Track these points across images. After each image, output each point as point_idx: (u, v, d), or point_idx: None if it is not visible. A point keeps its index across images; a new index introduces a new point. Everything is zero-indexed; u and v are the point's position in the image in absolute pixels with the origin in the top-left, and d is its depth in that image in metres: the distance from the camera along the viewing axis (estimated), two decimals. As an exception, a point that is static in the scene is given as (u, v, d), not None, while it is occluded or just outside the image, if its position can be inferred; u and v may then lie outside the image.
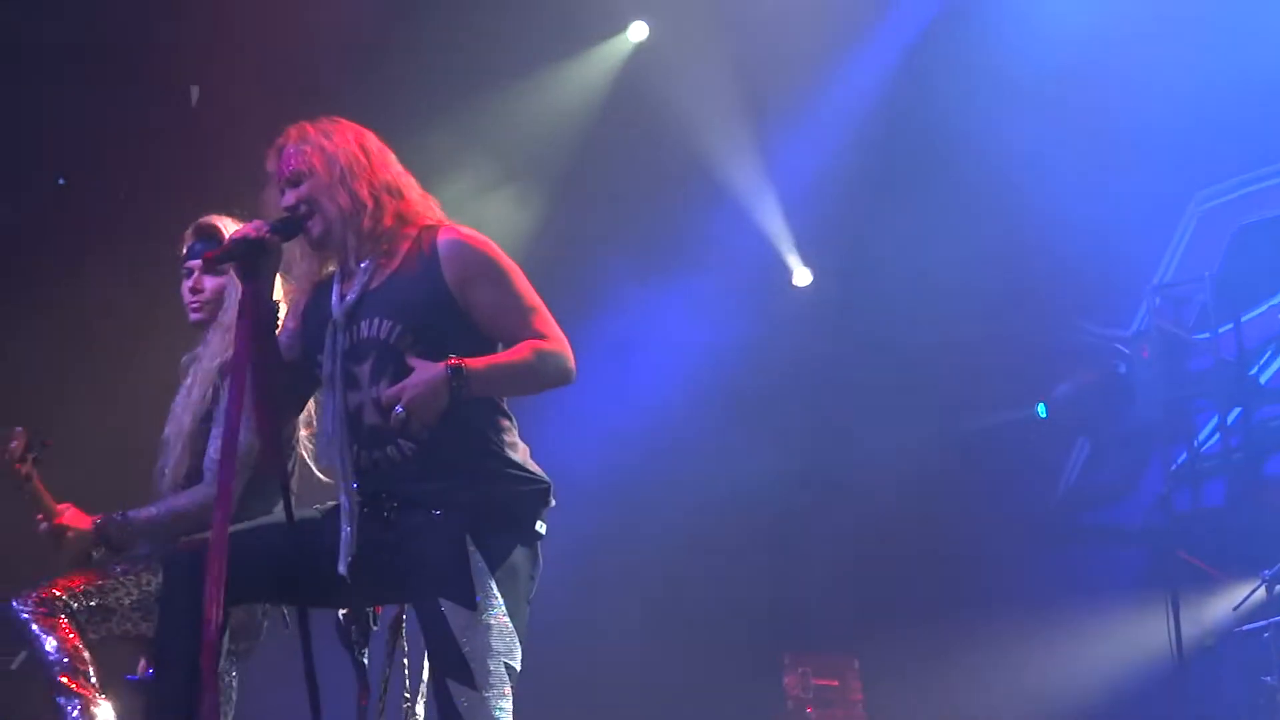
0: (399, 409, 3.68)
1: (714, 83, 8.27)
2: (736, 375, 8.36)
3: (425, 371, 3.70)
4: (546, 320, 3.89)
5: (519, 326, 3.86)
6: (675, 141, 8.30)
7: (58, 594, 4.59)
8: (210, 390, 4.71)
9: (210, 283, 4.87)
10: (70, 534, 4.70)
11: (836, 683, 7.64)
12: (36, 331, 7.90)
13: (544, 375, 3.86)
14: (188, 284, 4.91)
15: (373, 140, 4.05)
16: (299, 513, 3.94)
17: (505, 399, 3.95)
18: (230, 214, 4.89)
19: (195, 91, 8.38)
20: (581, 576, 7.53)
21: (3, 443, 4.86)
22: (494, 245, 3.95)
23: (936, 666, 7.65)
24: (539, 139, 8.47)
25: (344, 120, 4.06)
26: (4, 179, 8.17)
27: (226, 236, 4.77)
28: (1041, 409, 8.13)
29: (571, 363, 3.87)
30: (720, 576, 8.09)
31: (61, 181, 8.38)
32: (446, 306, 3.85)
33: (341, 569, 3.82)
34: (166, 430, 4.80)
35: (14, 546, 4.94)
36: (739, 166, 8.42)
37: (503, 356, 3.83)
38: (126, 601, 4.64)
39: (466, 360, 3.73)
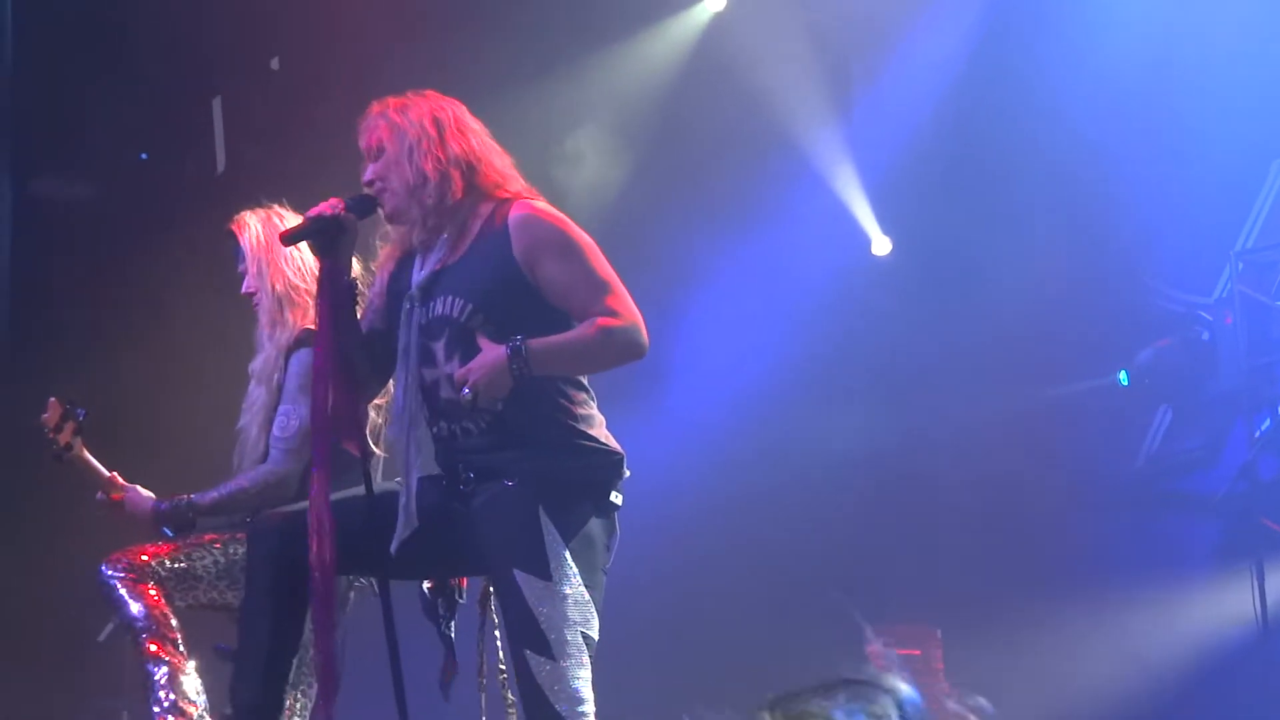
0: (465, 391, 3.76)
1: (793, 51, 8.27)
2: (816, 345, 8.34)
3: (488, 353, 3.77)
4: (618, 296, 3.90)
5: (589, 302, 3.89)
6: (755, 111, 8.30)
7: (146, 559, 4.65)
8: (279, 375, 4.79)
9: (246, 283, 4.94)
10: (127, 514, 4.80)
11: (919, 652, 7.65)
12: (115, 313, 8.01)
13: (610, 353, 3.90)
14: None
15: (451, 112, 4.08)
16: (380, 486, 4.06)
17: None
18: (276, 203, 4.96)
19: (276, 61, 8.49)
20: (663, 547, 7.58)
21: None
22: (566, 219, 3.98)
23: (1018, 636, 7.62)
24: (621, 110, 8.52)
25: (429, 93, 4.11)
26: (86, 155, 8.30)
27: (245, 236, 4.90)
28: (1123, 376, 8.07)
29: (643, 338, 3.90)
30: (803, 546, 8.10)
31: (144, 157, 8.49)
32: (516, 284, 3.91)
33: (393, 547, 3.90)
34: (241, 420, 4.88)
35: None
36: (818, 135, 8.41)
37: (568, 335, 3.86)
38: (214, 570, 4.71)
39: (529, 340, 3.77)
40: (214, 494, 4.73)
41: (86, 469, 4.89)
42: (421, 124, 4.02)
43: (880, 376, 8.43)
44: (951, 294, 8.22)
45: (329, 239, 3.95)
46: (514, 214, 3.96)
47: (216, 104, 8.49)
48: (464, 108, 4.14)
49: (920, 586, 7.97)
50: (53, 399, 4.92)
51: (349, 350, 3.97)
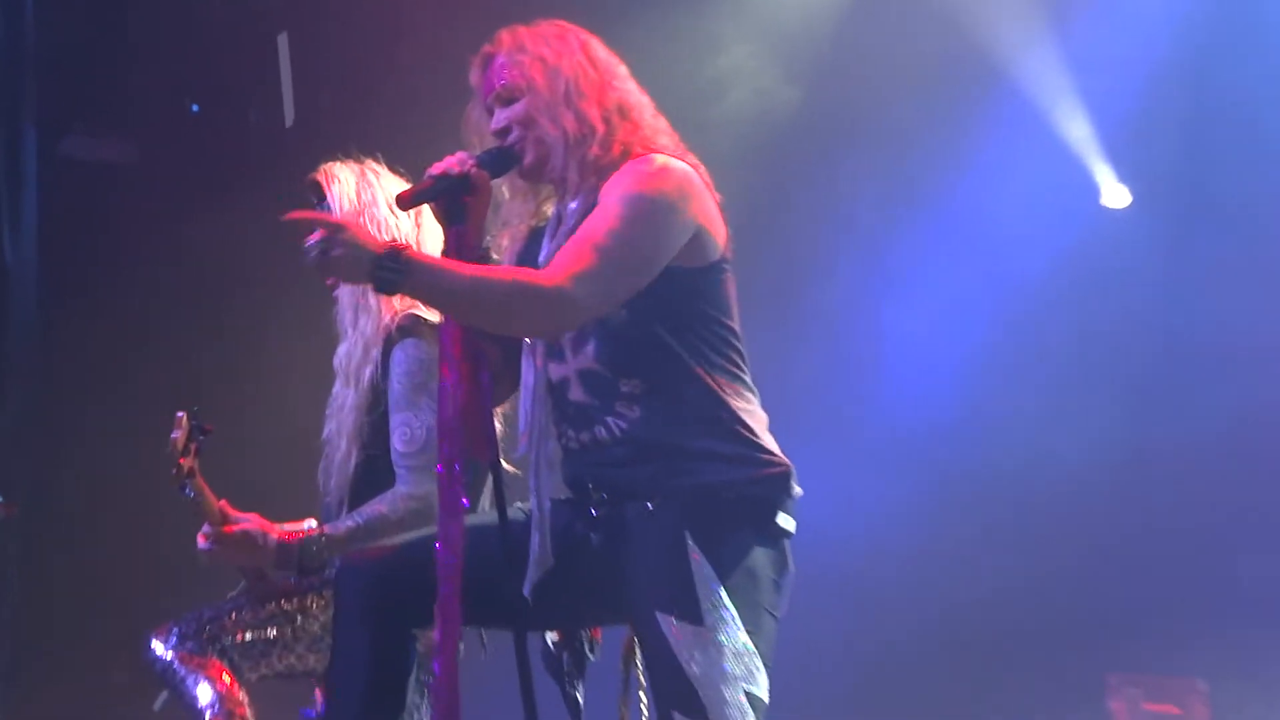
0: (312, 241, 3.57)
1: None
2: (1032, 324, 8.26)
3: (361, 234, 3.62)
4: (585, 258, 3.74)
5: (558, 257, 3.77)
6: (946, 31, 8.22)
7: (206, 627, 4.66)
8: (371, 370, 4.75)
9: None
10: (240, 553, 4.68)
11: (1178, 710, 7.55)
12: (163, 294, 8.10)
13: (505, 314, 3.74)
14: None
15: (597, 46, 4.05)
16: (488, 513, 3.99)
17: (740, 358, 3.93)
18: (368, 157, 4.93)
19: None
20: (845, 581, 7.61)
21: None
22: (649, 175, 3.87)
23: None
24: (780, 35, 8.49)
25: (564, 23, 4.07)
26: (125, 107, 8.37)
27: (334, 189, 4.84)
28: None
29: (558, 318, 3.77)
30: (1024, 578, 8.03)
31: (195, 108, 8.57)
32: None
33: (525, 590, 3.85)
34: (327, 429, 4.86)
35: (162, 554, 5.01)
36: (1029, 58, 8.31)
37: (471, 269, 3.71)
38: (289, 631, 4.70)
39: (416, 253, 3.64)
40: (349, 523, 4.67)
41: (201, 500, 4.76)
42: (578, 60, 4.00)
43: (1115, 365, 8.32)
44: (1211, 256, 8.05)
45: (458, 201, 3.89)
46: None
47: (281, 42, 8.52)
48: (600, 42, 4.10)
49: (1174, 627, 7.83)
50: (181, 414, 4.81)
51: (480, 339, 3.91)
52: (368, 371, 4.76)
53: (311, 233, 3.57)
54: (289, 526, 4.76)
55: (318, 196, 4.92)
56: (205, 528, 4.72)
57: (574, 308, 3.72)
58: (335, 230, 3.56)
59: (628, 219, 3.78)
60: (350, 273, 3.61)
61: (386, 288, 3.59)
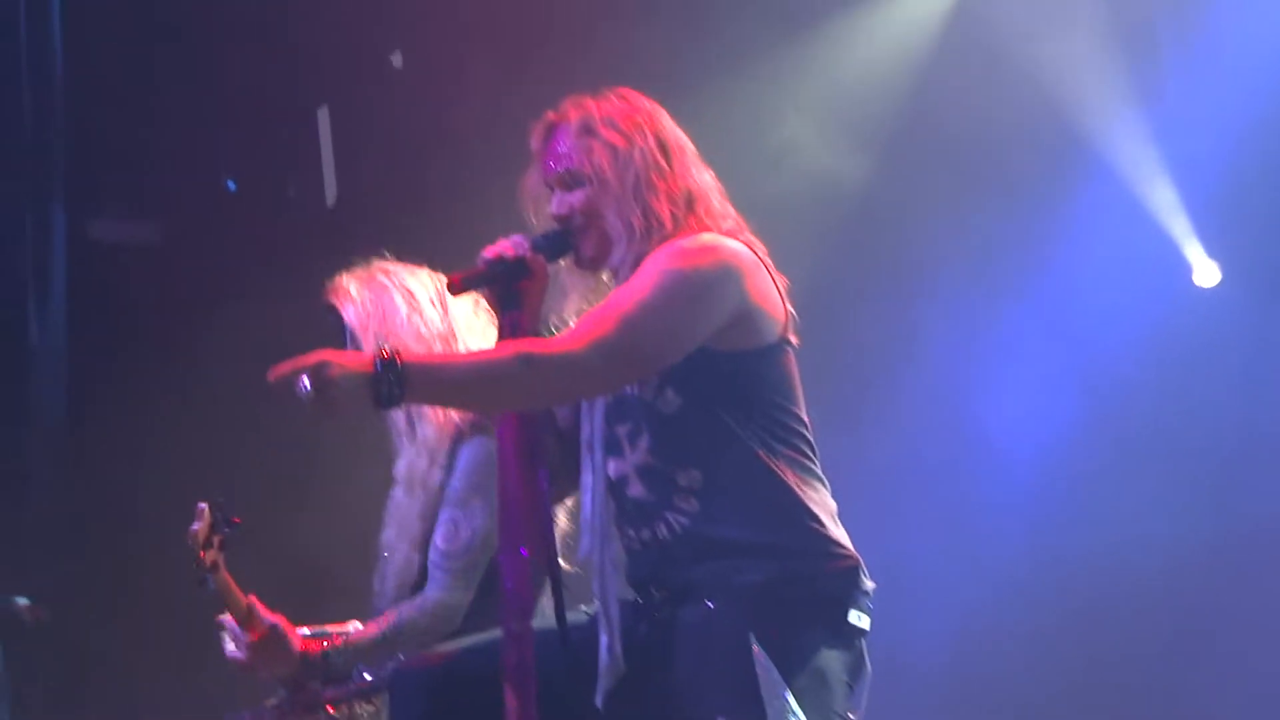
0: (304, 384, 3.55)
1: (1080, 15, 8.19)
2: (1120, 410, 8.24)
3: (344, 359, 3.57)
4: (606, 326, 3.75)
5: (579, 323, 3.79)
6: (1028, 98, 8.23)
7: None
8: (440, 475, 4.79)
9: None
10: (265, 658, 4.73)
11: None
12: (198, 386, 8.12)
13: (515, 389, 3.72)
14: None
15: (668, 125, 4.07)
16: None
17: (805, 444, 3.94)
18: (376, 256, 4.99)
19: (398, 57, 8.58)
20: (941, 671, 7.67)
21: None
22: (684, 252, 3.89)
23: None
24: (851, 102, 8.52)
25: (632, 95, 4.09)
26: (157, 186, 8.42)
27: (348, 310, 4.90)
28: None
29: (571, 384, 3.79)
30: (1108, 664, 8.05)
31: (231, 186, 8.61)
32: (701, 350, 3.86)
33: (598, 700, 3.87)
34: (386, 533, 4.90)
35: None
36: (1116, 126, 8.30)
37: (468, 356, 3.84)
38: None
39: (408, 354, 3.62)
40: (376, 632, 4.72)
41: (226, 595, 4.80)
42: (647, 147, 4.02)
43: (1205, 444, 8.26)
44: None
45: (512, 287, 3.93)
46: None
47: (323, 115, 8.60)
48: (667, 115, 4.12)
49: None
50: (203, 505, 4.84)
51: (538, 433, 3.91)
52: (436, 476, 4.80)
53: (296, 382, 3.53)
54: (329, 629, 4.80)
55: (335, 316, 4.97)
56: (230, 627, 4.77)
57: (587, 373, 3.73)
58: (318, 369, 3.52)
59: (657, 290, 3.79)
60: (353, 404, 3.55)
61: (392, 402, 3.56)
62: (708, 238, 3.91)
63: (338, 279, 5.01)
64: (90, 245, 8.30)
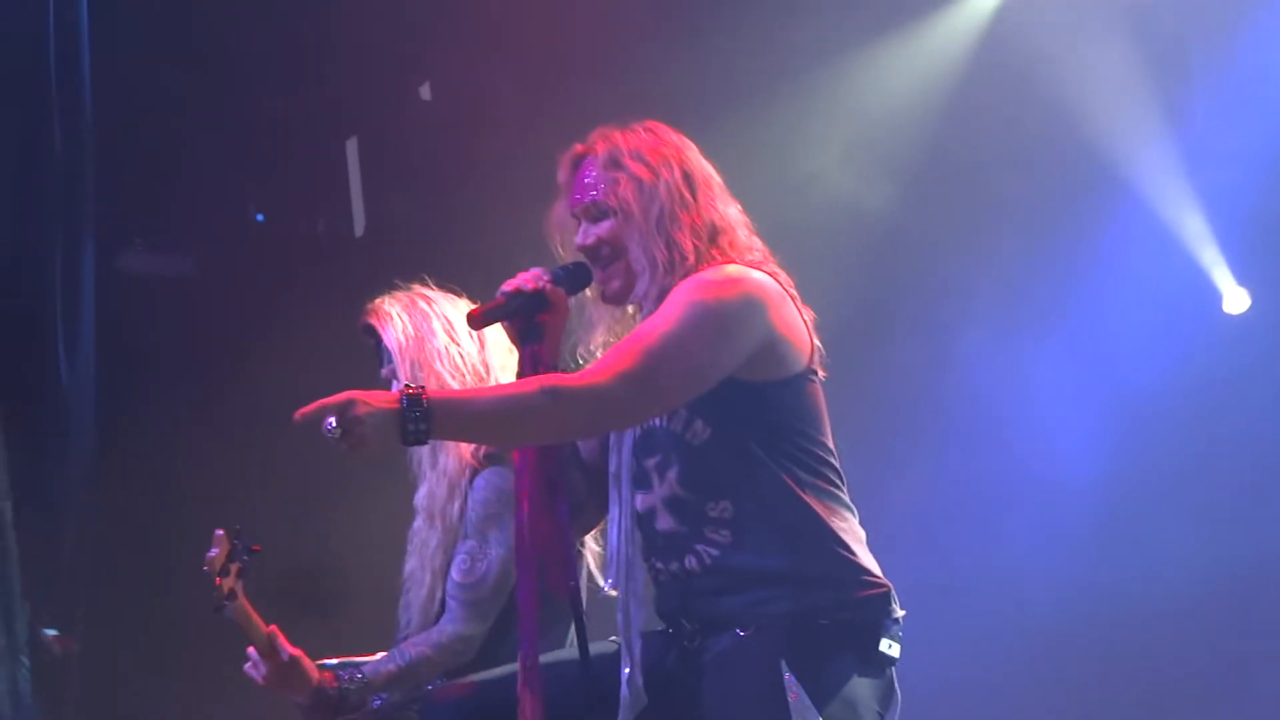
0: (330, 424, 3.57)
1: (1108, 39, 8.17)
2: (1148, 430, 8.21)
3: (370, 398, 3.58)
4: (631, 358, 3.75)
5: (605, 356, 3.79)
6: (1056, 124, 8.23)
7: None
8: (460, 504, 4.80)
9: None
10: (284, 686, 4.72)
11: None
12: (226, 418, 8.13)
13: (542, 422, 3.72)
14: None
15: (694, 158, 4.07)
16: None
17: (834, 473, 3.93)
18: (416, 282, 5.00)
19: (426, 89, 8.60)
20: (972, 698, 7.64)
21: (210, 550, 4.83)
22: (709, 284, 3.88)
23: None
24: (876, 129, 8.51)
25: (660, 128, 4.09)
26: (186, 218, 8.44)
27: (388, 331, 4.92)
28: None
29: (597, 417, 3.79)
30: (1139, 693, 8.03)
31: (260, 218, 8.64)
32: (728, 380, 3.85)
33: None
34: (409, 565, 4.90)
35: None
36: (1145, 152, 8.29)
37: (493, 390, 3.82)
38: None
39: (434, 392, 3.63)
40: (391, 666, 4.72)
41: (244, 623, 4.79)
42: (672, 180, 4.01)
43: (1237, 475, 8.23)
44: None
45: (532, 320, 3.94)
46: None
47: (351, 146, 8.62)
48: (695, 148, 4.12)
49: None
50: (220, 531, 4.84)
51: (559, 466, 3.93)
52: (455, 507, 4.80)
53: (323, 422, 3.54)
54: (350, 659, 4.81)
55: (374, 339, 4.98)
56: (251, 655, 4.76)
57: (612, 405, 3.73)
58: (345, 408, 3.53)
59: (682, 323, 3.79)
60: (380, 441, 3.56)
61: (419, 438, 3.57)
62: (732, 269, 3.91)
63: (379, 301, 5.01)
64: (119, 279, 8.31)
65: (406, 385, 3.61)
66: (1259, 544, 8.08)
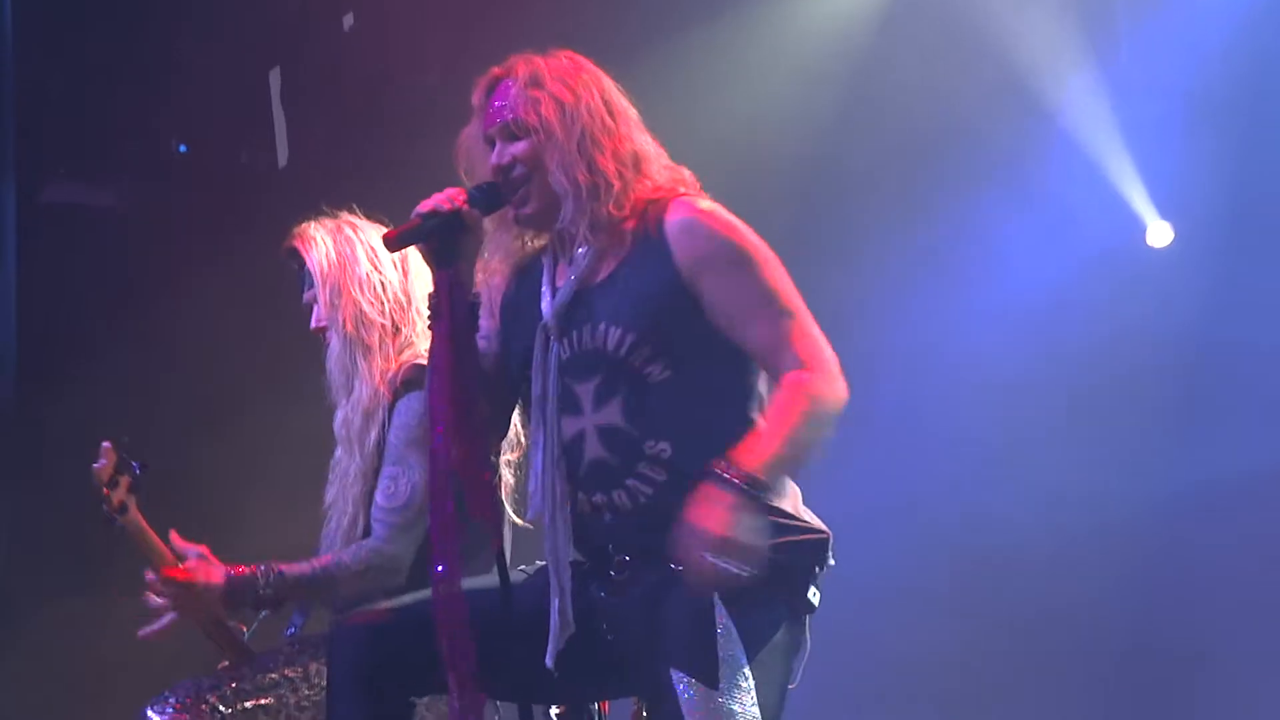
0: (717, 604, 3.66)
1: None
2: (1076, 372, 8.24)
3: (699, 509, 3.59)
4: (805, 332, 3.81)
5: (768, 339, 3.81)
6: (983, 59, 8.21)
7: (206, 697, 4.69)
8: (376, 433, 4.79)
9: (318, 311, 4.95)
10: (197, 590, 4.67)
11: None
12: (148, 347, 8.10)
13: (822, 429, 3.78)
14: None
15: (615, 92, 4.02)
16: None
17: (762, 417, 3.90)
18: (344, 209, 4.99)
19: (349, 18, 8.55)
20: (891, 640, 7.64)
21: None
22: (736, 224, 3.88)
23: None
24: (804, 62, 8.47)
25: (579, 57, 4.04)
26: (108, 150, 8.39)
27: (311, 255, 4.91)
28: None
29: (843, 391, 3.80)
30: (1067, 619, 8.08)
31: (182, 149, 8.59)
32: (684, 307, 3.83)
33: (549, 661, 3.83)
34: (329, 494, 4.90)
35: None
36: (1070, 86, 8.29)
37: (779, 428, 3.74)
38: (292, 700, 4.70)
39: (741, 459, 3.65)
40: (305, 565, 4.70)
41: (139, 538, 4.82)
42: (595, 105, 3.96)
43: (1160, 405, 8.28)
44: (1258, 289, 8.03)
45: (448, 242, 3.90)
46: (674, 217, 3.89)
47: (274, 77, 8.57)
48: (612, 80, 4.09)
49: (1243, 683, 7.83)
50: (107, 444, 4.87)
51: (472, 390, 3.90)
52: (372, 435, 4.80)
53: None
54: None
55: (297, 263, 4.98)
56: (150, 582, 4.75)
57: (838, 369, 3.82)
58: (690, 552, 3.59)
59: (769, 264, 3.87)
60: (750, 549, 3.59)
61: (759, 507, 3.64)
62: (708, 204, 3.94)
63: (304, 225, 5.01)
64: (41, 210, 8.26)
65: (712, 471, 3.63)
66: (1180, 470, 8.12)
